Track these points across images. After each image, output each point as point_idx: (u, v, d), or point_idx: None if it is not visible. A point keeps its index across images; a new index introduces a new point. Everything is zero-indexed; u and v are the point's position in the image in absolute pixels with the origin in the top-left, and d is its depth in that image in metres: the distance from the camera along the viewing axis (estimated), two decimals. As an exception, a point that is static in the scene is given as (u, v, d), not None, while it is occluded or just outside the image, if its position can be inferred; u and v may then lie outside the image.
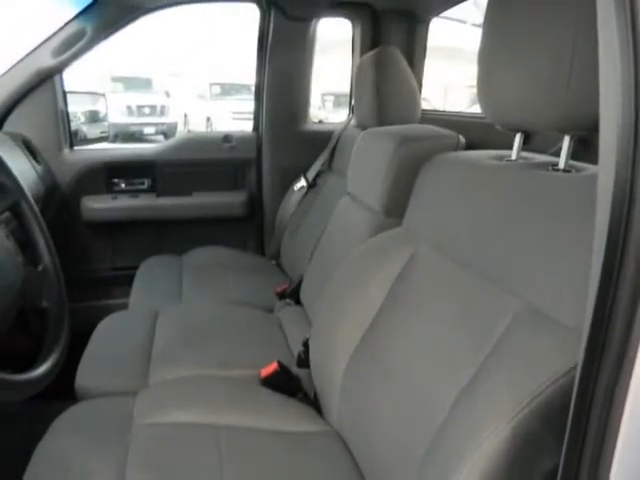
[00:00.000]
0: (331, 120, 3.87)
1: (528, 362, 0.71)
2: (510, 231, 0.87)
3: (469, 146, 1.44)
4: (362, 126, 2.02)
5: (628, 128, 0.46)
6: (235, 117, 10.37)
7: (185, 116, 13.23)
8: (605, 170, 0.49)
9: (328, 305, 1.27)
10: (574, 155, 0.89)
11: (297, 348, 1.42)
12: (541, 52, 0.82)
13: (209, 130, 11.22)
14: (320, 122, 2.90)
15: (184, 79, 15.32)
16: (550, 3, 0.81)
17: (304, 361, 1.36)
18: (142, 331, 1.54)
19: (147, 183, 2.40)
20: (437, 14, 2.35)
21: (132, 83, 11.67)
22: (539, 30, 0.82)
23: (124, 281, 2.16)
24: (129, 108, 10.81)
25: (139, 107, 10.98)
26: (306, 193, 2.26)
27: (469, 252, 0.95)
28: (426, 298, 1.01)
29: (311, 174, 2.28)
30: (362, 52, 2.40)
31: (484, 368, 0.77)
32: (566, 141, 0.88)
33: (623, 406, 0.49)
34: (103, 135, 6.61)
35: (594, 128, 0.53)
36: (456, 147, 1.43)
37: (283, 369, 1.34)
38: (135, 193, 2.38)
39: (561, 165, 0.89)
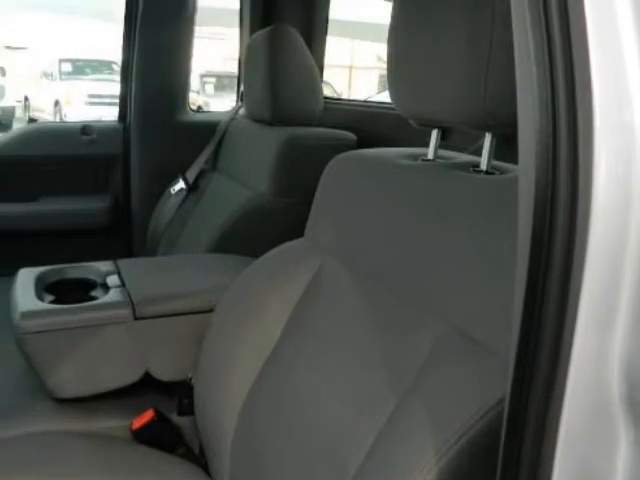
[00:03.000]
0: (213, 107, 3.88)
1: (453, 395, 0.75)
2: (428, 242, 0.91)
3: (379, 142, 1.50)
4: (253, 117, 2.05)
5: (546, 132, 0.51)
6: (91, 101, 10.14)
7: (26, 99, 12.81)
8: (525, 176, 0.54)
9: (216, 334, 1.27)
10: (498, 154, 0.95)
11: (177, 389, 1.42)
12: (457, 38, 0.88)
13: (57, 118, 10.88)
14: (199, 109, 2.91)
15: (25, 53, 14.80)
16: None
17: (187, 407, 1.35)
18: None
19: None
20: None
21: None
22: (455, 14, 0.88)
23: None
24: (-53, 89, 10.36)
25: (-39, 87, 10.53)
26: (186, 197, 2.25)
27: (382, 268, 0.99)
28: (334, 323, 1.03)
29: (191, 174, 2.27)
30: (252, 29, 2.42)
31: (404, 405, 0.80)
32: (487, 139, 0.93)
33: (556, 434, 0.54)
34: None
35: (516, 125, 0.57)
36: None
37: (160, 418, 1.33)
38: None
39: (483, 166, 0.94)
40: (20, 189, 2.35)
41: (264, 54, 1.89)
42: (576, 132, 0.50)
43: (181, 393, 1.39)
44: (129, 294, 1.46)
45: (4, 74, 11.80)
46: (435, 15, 0.92)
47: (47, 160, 2.39)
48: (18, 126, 2.50)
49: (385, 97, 1.21)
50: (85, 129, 2.43)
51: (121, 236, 2.50)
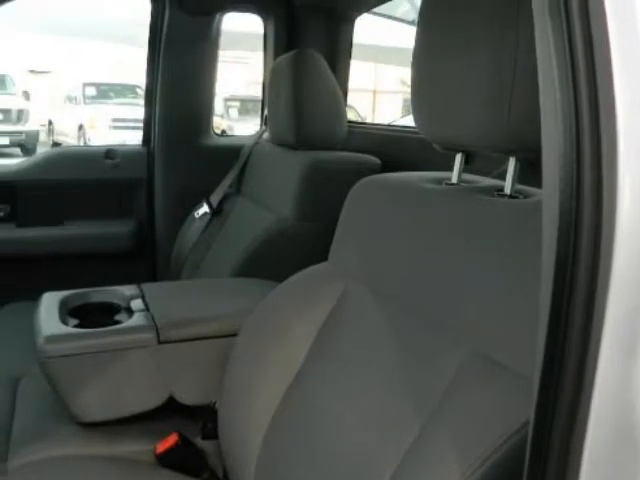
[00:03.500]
0: (237, 131, 3.93)
1: (477, 419, 0.76)
2: (452, 266, 0.93)
3: (403, 166, 1.51)
4: (277, 141, 2.07)
5: (570, 156, 0.52)
6: (115, 125, 10.26)
7: (50, 123, 12.96)
8: (549, 200, 0.55)
9: (240, 358, 1.29)
10: (522, 178, 0.96)
11: (201, 413, 1.43)
12: (481, 63, 0.89)
13: (81, 141, 11.02)
14: (223, 133, 2.94)
15: (49, 77, 15.02)
16: (491, 7, 0.89)
17: (211, 431, 1.36)
18: None
19: (4, 210, 2.34)
20: (363, 12, 2.46)
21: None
22: (479, 39, 0.90)
23: None
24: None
25: (-12, 111, 10.67)
26: (210, 221, 2.27)
27: (406, 291, 1.01)
28: (358, 347, 1.05)
29: (215, 198, 2.29)
30: (276, 53, 2.46)
31: (428, 429, 0.81)
32: (511, 164, 0.95)
33: (580, 458, 0.55)
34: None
35: (540, 150, 0.59)
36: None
37: (184, 442, 1.33)
38: None
39: (507, 190, 0.96)
40: (44, 213, 2.38)
41: (288, 78, 1.92)
42: (600, 157, 0.51)
43: (205, 417, 1.40)
44: (153, 318, 1.47)
45: (28, 98, 11.95)
46: (459, 39, 0.94)
47: (71, 184, 2.42)
48: (42, 150, 2.54)
49: (409, 121, 1.23)
50: (109, 153, 2.46)
51: (145, 260, 2.52)
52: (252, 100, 9.54)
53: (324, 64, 1.95)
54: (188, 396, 1.44)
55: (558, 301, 0.55)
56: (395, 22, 2.72)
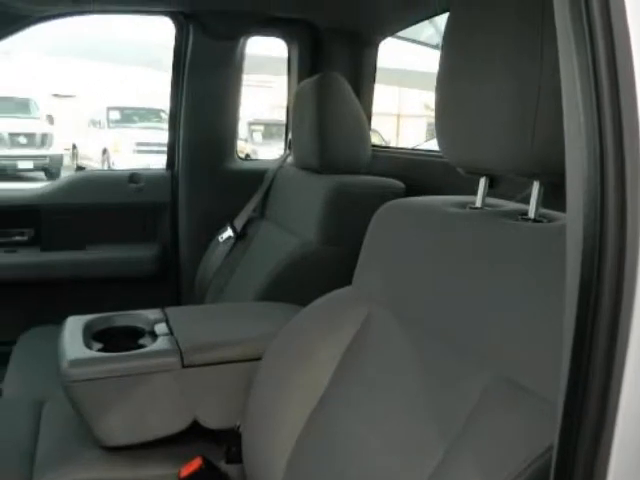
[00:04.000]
0: (261, 155, 3.96)
1: (502, 443, 0.76)
2: (476, 290, 0.94)
3: (427, 190, 1.52)
4: (301, 164, 2.09)
5: (594, 180, 0.53)
6: (139, 149, 10.36)
7: (74, 147, 13.10)
8: (573, 224, 0.56)
9: (264, 382, 1.30)
10: (546, 201, 0.97)
11: (225, 437, 1.44)
12: (505, 87, 0.91)
13: (105, 165, 11.13)
14: (247, 157, 2.97)
15: (73, 101, 15.21)
16: (515, 32, 0.90)
17: (235, 455, 1.37)
18: (22, 426, 1.52)
19: (29, 234, 2.38)
20: (387, 36, 2.49)
21: (3, 105, 11.44)
22: (503, 62, 0.91)
23: None
24: (-2, 136, 10.60)
25: (12, 135, 10.81)
26: (234, 245, 2.29)
27: (429, 315, 1.02)
28: (382, 371, 1.06)
29: (239, 222, 2.32)
30: (300, 77, 2.50)
31: (452, 453, 0.82)
32: (535, 187, 0.96)
33: (604, 481, 0.56)
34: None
35: (564, 173, 0.59)
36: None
37: (208, 466, 1.34)
38: (12, 247, 2.35)
39: (531, 214, 0.97)
40: (68, 237, 2.41)
41: (312, 102, 1.95)
42: (624, 180, 0.52)
43: (229, 441, 1.40)
44: (177, 342, 1.48)
45: (52, 122, 12.07)
46: (483, 63, 0.95)
47: (95, 208, 2.45)
48: (66, 174, 2.58)
49: (433, 145, 1.24)
50: (133, 177, 2.50)
51: (169, 284, 2.54)
52: (276, 124, 9.60)
53: (348, 88, 1.98)
54: (212, 420, 1.45)
55: (582, 325, 0.55)
56: (419, 46, 2.74)
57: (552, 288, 0.79)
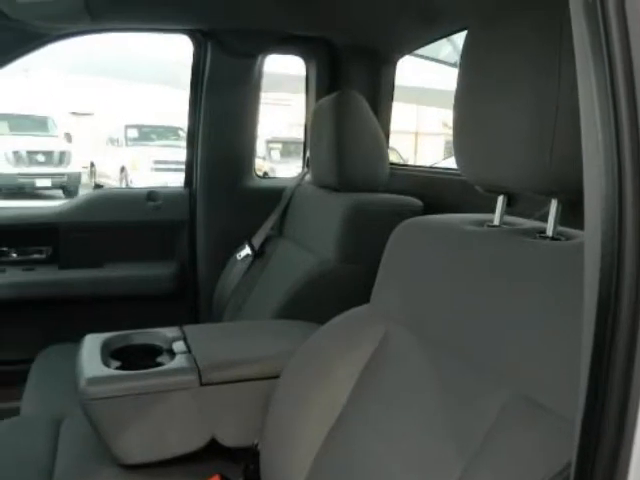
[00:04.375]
0: (279, 173, 3.98)
1: (520, 460, 0.77)
2: (494, 308, 0.95)
3: (445, 208, 1.53)
4: (319, 183, 2.10)
5: (612, 198, 0.54)
6: (157, 167, 10.42)
7: (92, 165, 13.19)
8: (591, 242, 0.57)
9: (282, 400, 1.31)
10: (564, 219, 0.98)
11: (243, 455, 1.44)
12: (523, 105, 0.92)
13: (123, 183, 11.20)
14: (265, 175, 2.99)
15: (91, 119, 15.34)
16: (533, 51, 0.91)
17: (253, 473, 1.37)
18: (40, 444, 1.53)
19: (47, 252, 2.40)
20: (405, 54, 2.51)
21: (21, 123, 11.55)
22: (521, 80, 0.92)
23: (13, 379, 2.13)
24: (16, 154, 10.68)
25: (30, 153, 10.88)
26: (252, 263, 2.30)
27: (448, 334, 1.02)
28: (400, 389, 1.06)
29: (257, 240, 2.33)
30: (318, 95, 2.52)
31: (470, 470, 0.83)
32: (553, 205, 0.97)
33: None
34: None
35: (582, 191, 0.60)
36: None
37: None
38: (30, 265, 2.37)
39: (549, 232, 0.97)
40: (86, 255, 2.43)
41: (330, 120, 1.96)
42: None
43: (247, 459, 1.40)
44: (195, 360, 1.49)
45: (70, 140, 12.15)
46: (501, 82, 0.96)
47: (113, 226, 2.47)
48: (84, 192, 2.60)
49: (451, 163, 1.25)
50: (151, 195, 2.52)
51: (187, 302, 2.55)
52: (294, 142, 9.65)
53: (366, 106, 1.99)
54: (230, 438, 1.46)
55: (600, 343, 0.56)
56: (437, 64, 2.75)
57: (570, 306, 0.79)
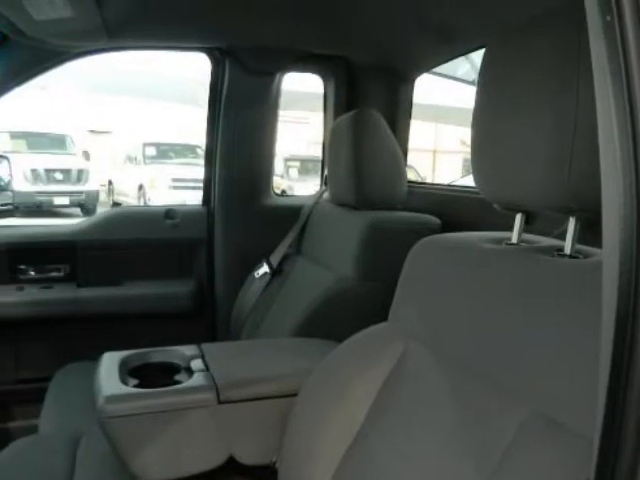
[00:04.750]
0: (297, 191, 3.99)
1: (538, 478, 0.77)
2: (512, 326, 0.95)
3: (463, 226, 1.53)
4: (337, 201, 2.11)
5: (630, 217, 0.55)
6: (175, 185, 10.46)
7: (110, 183, 13.25)
8: (609, 260, 0.57)
9: (300, 418, 1.31)
10: (582, 237, 0.99)
11: (261, 473, 1.45)
12: (541, 123, 0.93)
13: (141, 201, 11.24)
14: (283, 193, 3.00)
15: (109, 137, 15.45)
16: (551, 69, 0.92)
17: None
18: (58, 462, 1.55)
19: (65, 270, 2.42)
20: (423, 72, 2.52)
21: (39, 141, 11.60)
22: (539, 99, 0.93)
23: (31, 397, 2.15)
24: (34, 172, 10.69)
25: (48, 171, 10.89)
26: (270, 281, 2.32)
27: (466, 351, 1.03)
28: (418, 407, 1.07)
29: (275, 258, 2.34)
30: (336, 113, 2.54)
31: None
32: (571, 224, 0.98)
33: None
34: (6, 208, 6.54)
35: (600, 210, 0.60)
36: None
37: None
38: (48, 283, 2.39)
39: (567, 250, 0.98)
40: (104, 273, 2.45)
41: (348, 138, 1.97)
42: None
43: (265, 477, 1.42)
44: (213, 378, 1.50)
45: (88, 158, 12.20)
46: (519, 100, 0.97)
47: (131, 244, 2.49)
48: (102, 210, 2.63)
49: (469, 181, 1.26)
50: (169, 213, 2.54)
51: (205, 320, 2.56)
52: (312, 160, 9.67)
53: (384, 124, 2.00)
54: (248, 456, 1.46)
55: (618, 362, 0.56)
56: (455, 82, 2.77)
57: (588, 324, 0.80)
